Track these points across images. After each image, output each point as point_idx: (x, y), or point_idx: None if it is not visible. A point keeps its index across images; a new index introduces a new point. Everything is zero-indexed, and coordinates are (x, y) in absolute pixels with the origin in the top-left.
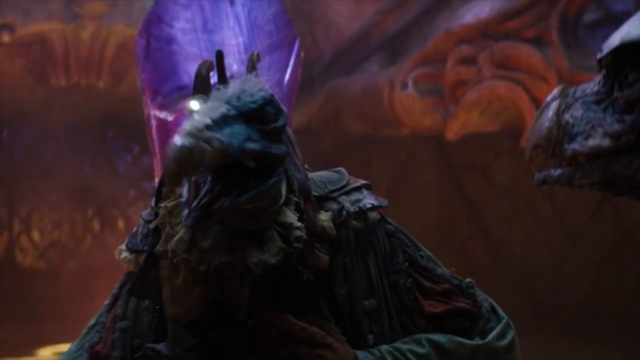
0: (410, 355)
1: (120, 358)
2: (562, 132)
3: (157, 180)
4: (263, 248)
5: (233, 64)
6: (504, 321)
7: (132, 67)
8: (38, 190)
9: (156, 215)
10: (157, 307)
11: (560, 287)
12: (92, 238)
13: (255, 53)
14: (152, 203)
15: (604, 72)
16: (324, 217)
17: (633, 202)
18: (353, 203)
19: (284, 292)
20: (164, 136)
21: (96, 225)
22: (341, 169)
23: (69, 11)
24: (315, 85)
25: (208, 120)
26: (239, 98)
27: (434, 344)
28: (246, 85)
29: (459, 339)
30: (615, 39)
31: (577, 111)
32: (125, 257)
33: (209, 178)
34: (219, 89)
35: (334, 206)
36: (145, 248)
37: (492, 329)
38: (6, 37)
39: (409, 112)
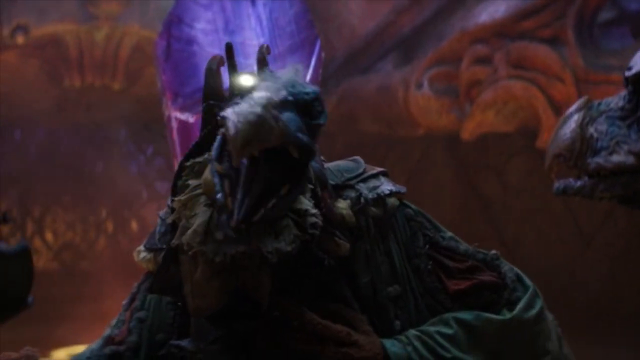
0: (438, 338)
1: (135, 343)
2: (585, 145)
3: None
4: (278, 237)
5: (254, 65)
6: (530, 290)
7: (147, 68)
8: (51, 192)
9: (172, 211)
10: (179, 303)
11: (574, 287)
12: (105, 239)
13: (265, 45)
14: (169, 201)
15: (630, 88)
16: (342, 205)
17: None
18: (371, 190)
19: (306, 281)
20: (185, 138)
21: (109, 226)
22: (357, 157)
23: (84, 12)
24: (329, 85)
25: (276, 99)
26: (293, 86)
27: (461, 322)
28: (297, 76)
29: (486, 315)
30: None
31: (601, 125)
32: (144, 257)
33: (244, 173)
34: (271, 71)
35: (352, 194)
36: (164, 246)
37: (518, 299)
38: (20, 39)
39: (424, 112)
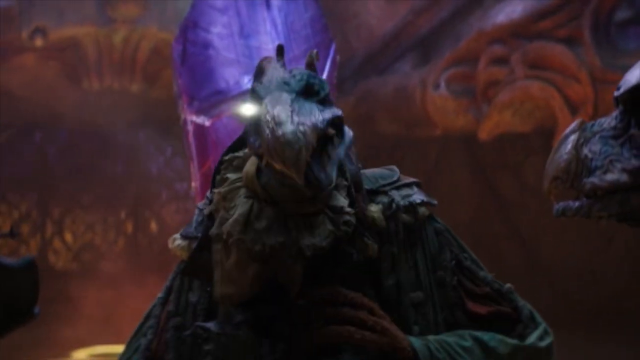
0: (455, 347)
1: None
2: (580, 165)
3: (193, 184)
4: (314, 231)
5: None
6: (541, 327)
7: (165, 70)
8: (71, 193)
9: (210, 202)
10: (207, 288)
11: (593, 287)
12: (125, 240)
13: (315, 51)
14: (208, 194)
15: (620, 107)
16: (374, 208)
17: None
18: (403, 197)
19: (333, 276)
20: (201, 141)
21: (129, 226)
22: (393, 166)
23: (102, 15)
24: (347, 86)
25: (288, 107)
26: (286, 83)
27: (477, 339)
28: (279, 70)
29: (501, 336)
30: (633, 77)
31: (595, 145)
32: (178, 244)
33: None
34: (253, 89)
35: (385, 199)
36: (199, 234)
37: (530, 335)
38: (39, 41)
39: (441, 112)
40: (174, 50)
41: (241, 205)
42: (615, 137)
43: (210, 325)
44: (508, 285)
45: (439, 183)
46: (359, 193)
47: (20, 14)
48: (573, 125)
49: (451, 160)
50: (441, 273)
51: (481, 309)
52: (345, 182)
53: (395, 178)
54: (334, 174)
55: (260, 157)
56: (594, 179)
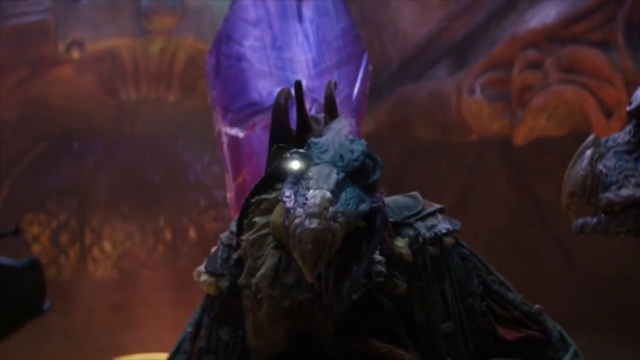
0: None
1: None
2: (596, 181)
3: (228, 195)
4: (344, 283)
5: (302, 80)
6: (572, 349)
7: (201, 80)
8: (109, 201)
9: (238, 246)
10: (239, 332)
11: (631, 291)
12: (164, 247)
13: (333, 82)
14: (232, 227)
15: (633, 122)
16: (401, 243)
17: None
18: (429, 229)
19: (364, 321)
20: (235, 153)
21: (168, 234)
22: (415, 193)
23: (138, 26)
24: (383, 92)
25: (328, 195)
26: (341, 157)
27: None
28: (342, 135)
29: None
30: None
31: (609, 161)
32: (205, 280)
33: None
34: (314, 143)
35: (410, 232)
36: (225, 272)
37: (561, 358)
38: (76, 54)
39: (476, 118)
40: (208, 63)
41: (270, 257)
42: (629, 152)
43: None
44: (537, 306)
45: (476, 188)
46: (385, 229)
47: (56, 28)
48: (587, 140)
49: (487, 164)
50: (469, 300)
51: (511, 335)
52: None
53: (419, 208)
54: (360, 274)
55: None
56: (610, 195)
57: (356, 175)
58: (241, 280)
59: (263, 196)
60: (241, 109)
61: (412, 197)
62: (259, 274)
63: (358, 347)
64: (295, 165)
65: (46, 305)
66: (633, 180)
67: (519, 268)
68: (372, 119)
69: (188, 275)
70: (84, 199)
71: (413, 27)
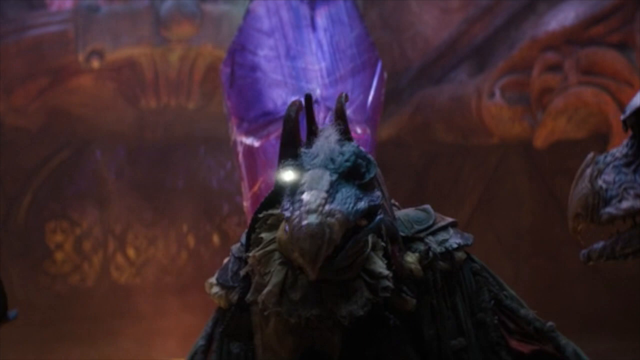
0: None
1: None
2: (597, 198)
3: (245, 204)
4: (351, 299)
5: (317, 89)
6: None
7: (221, 87)
8: (132, 208)
9: (246, 261)
10: (250, 346)
11: None
12: (187, 254)
13: (344, 94)
14: (242, 239)
15: (630, 134)
16: (411, 258)
17: None
18: (439, 243)
19: (372, 337)
20: (250, 162)
21: (191, 241)
22: (427, 206)
23: (158, 35)
24: (404, 96)
25: (323, 194)
26: (332, 160)
27: None
28: (331, 140)
29: None
30: (638, 99)
31: (609, 176)
32: (216, 293)
33: None
34: (305, 152)
35: (421, 247)
36: (236, 285)
37: None
38: (96, 63)
39: (497, 120)
40: (222, 73)
41: (276, 274)
42: (627, 165)
43: None
44: (550, 323)
45: (499, 190)
46: (395, 244)
47: (76, 38)
48: (587, 159)
49: (510, 166)
50: (481, 315)
51: (525, 348)
52: (382, 243)
53: (430, 222)
54: (350, 245)
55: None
56: (611, 209)
57: (350, 175)
58: (249, 297)
59: (270, 211)
60: (256, 118)
61: (424, 210)
62: (265, 290)
63: None
64: (287, 176)
65: (11, 313)
66: (632, 192)
67: (542, 269)
68: (393, 123)
69: None
70: (106, 206)
71: (433, 30)
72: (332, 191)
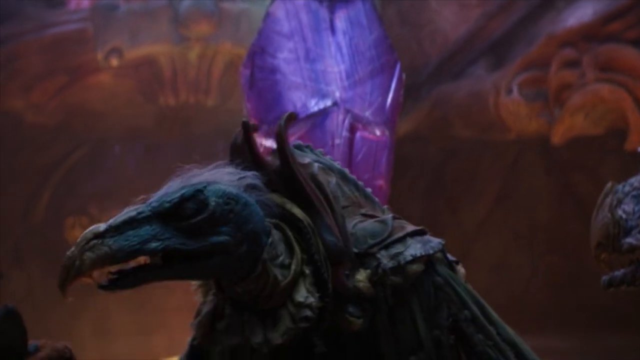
0: None
1: None
2: (617, 227)
3: None
4: (272, 327)
5: (335, 91)
6: None
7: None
8: None
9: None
10: None
11: None
12: None
13: (253, 124)
14: None
15: None
16: (361, 276)
17: None
18: (392, 257)
19: None
20: None
21: None
22: (387, 217)
23: (176, 33)
24: (422, 91)
25: (100, 228)
26: (159, 199)
27: None
28: (185, 181)
29: None
30: None
31: (628, 206)
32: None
33: None
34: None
35: (373, 263)
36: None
37: None
38: (114, 61)
39: (514, 117)
40: (242, 75)
41: (207, 304)
42: None
43: None
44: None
45: (517, 186)
46: (340, 266)
47: (95, 36)
48: (606, 188)
49: (527, 162)
50: (437, 332)
51: None
52: (307, 271)
53: (385, 235)
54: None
55: None
56: (631, 240)
57: (168, 216)
58: (192, 322)
59: None
60: (275, 120)
61: (382, 222)
62: (196, 320)
63: None
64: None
65: (31, 346)
66: None
67: (560, 265)
68: (411, 118)
69: None
70: (126, 203)
71: (451, 26)
72: (121, 227)
